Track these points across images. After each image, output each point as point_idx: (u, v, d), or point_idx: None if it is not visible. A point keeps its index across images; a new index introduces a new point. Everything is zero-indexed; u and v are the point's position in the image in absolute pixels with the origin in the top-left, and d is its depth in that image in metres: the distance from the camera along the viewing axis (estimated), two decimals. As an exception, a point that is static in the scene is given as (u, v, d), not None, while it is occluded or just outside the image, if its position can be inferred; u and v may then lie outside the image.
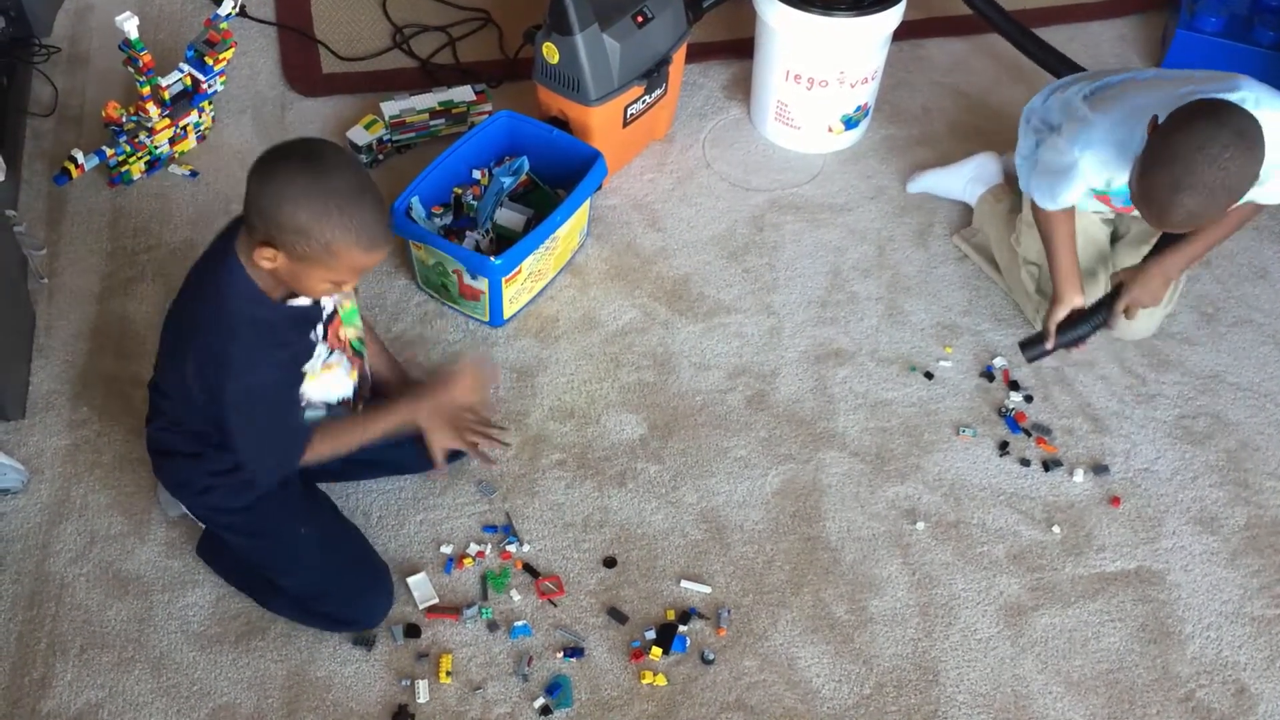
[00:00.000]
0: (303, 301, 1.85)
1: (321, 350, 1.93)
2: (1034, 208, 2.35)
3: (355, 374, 2.05)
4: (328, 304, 1.93)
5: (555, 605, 2.15)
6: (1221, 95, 1.96)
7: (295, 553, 2.04)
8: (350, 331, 2.02)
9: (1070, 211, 2.32)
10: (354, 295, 2.01)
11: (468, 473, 2.32)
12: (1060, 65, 2.83)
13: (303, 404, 1.95)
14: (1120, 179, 2.13)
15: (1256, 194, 2.14)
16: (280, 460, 1.95)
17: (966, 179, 2.77)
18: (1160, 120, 1.96)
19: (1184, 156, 1.87)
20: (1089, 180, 2.19)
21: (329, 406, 2.02)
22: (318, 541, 2.06)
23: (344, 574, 2.06)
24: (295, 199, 1.64)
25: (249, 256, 1.75)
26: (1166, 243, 2.34)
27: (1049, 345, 2.37)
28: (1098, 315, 2.36)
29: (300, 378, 1.91)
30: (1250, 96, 2.02)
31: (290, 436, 1.94)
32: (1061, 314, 2.35)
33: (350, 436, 2.02)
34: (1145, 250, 2.44)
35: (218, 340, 1.77)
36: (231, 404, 1.80)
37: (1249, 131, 1.88)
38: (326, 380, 1.98)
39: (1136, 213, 2.17)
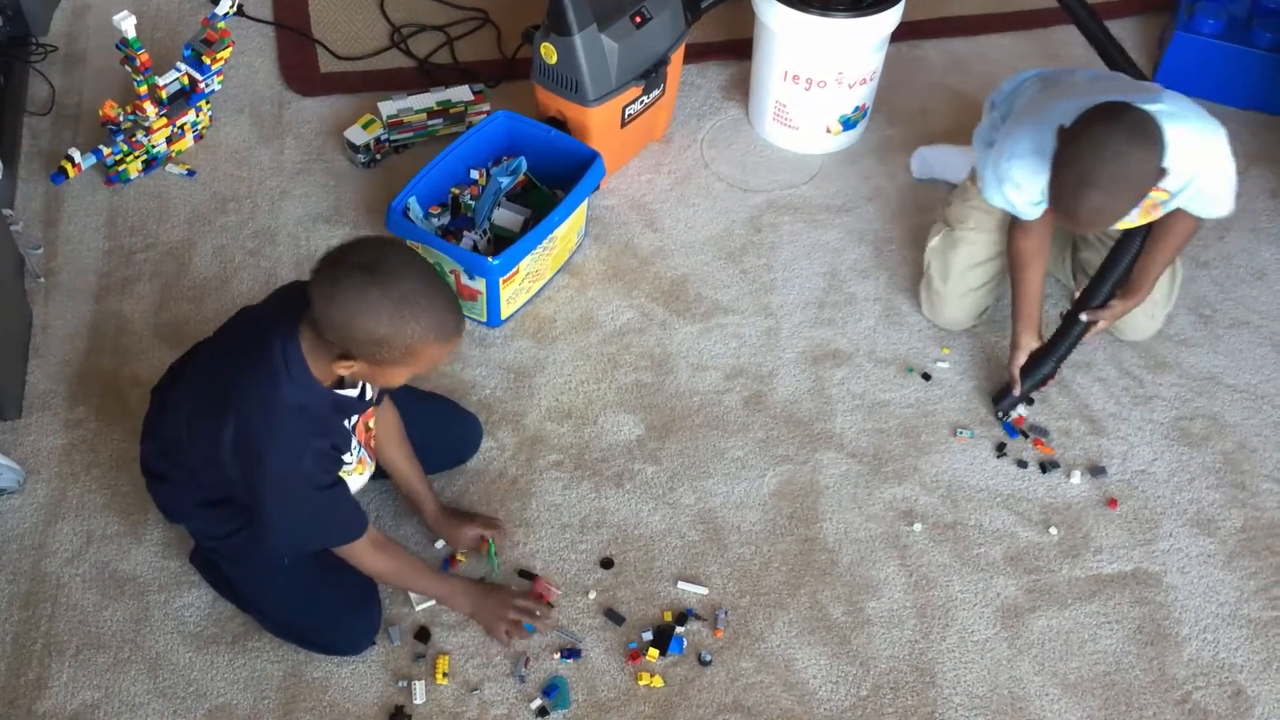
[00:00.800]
0: (350, 392, 1.83)
1: (355, 444, 1.92)
2: (1010, 241, 2.38)
3: (371, 469, 2.06)
4: (369, 391, 1.91)
5: (551, 605, 2.14)
6: (1141, 104, 2.01)
7: (276, 582, 2.02)
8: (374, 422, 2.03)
9: (1041, 254, 2.36)
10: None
11: (465, 473, 2.31)
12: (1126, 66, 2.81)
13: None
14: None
15: (1194, 205, 2.21)
16: (303, 539, 1.93)
17: (972, 162, 2.77)
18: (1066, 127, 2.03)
19: (1084, 155, 1.95)
20: (1024, 189, 2.21)
21: None
22: (300, 571, 2.01)
23: (326, 604, 2.04)
24: (370, 313, 1.63)
25: (312, 345, 1.73)
26: (1114, 258, 2.37)
27: (1016, 392, 2.40)
28: (1058, 350, 2.38)
29: (340, 463, 1.88)
30: (1167, 109, 2.07)
31: (335, 518, 1.91)
32: (1022, 358, 2.39)
33: (410, 576, 2.05)
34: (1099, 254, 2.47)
35: (262, 423, 1.74)
36: (267, 489, 1.78)
37: (1144, 128, 1.96)
38: (355, 481, 1.97)
39: None
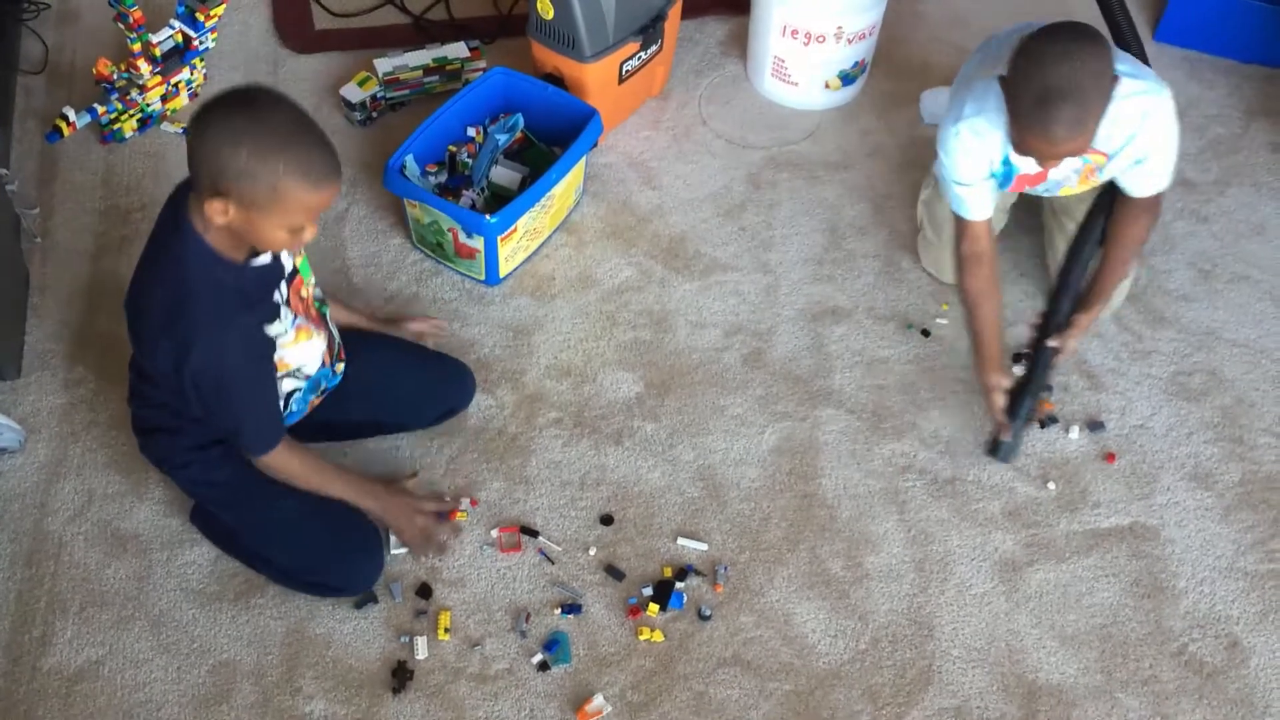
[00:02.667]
0: (264, 260, 1.82)
1: (286, 314, 1.90)
2: (959, 284, 2.31)
3: (324, 339, 2.03)
4: (287, 262, 1.90)
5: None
6: None
7: (277, 526, 2.03)
8: (309, 290, 2.00)
9: (992, 291, 2.28)
10: (301, 251, 1.97)
11: (464, 432, 2.32)
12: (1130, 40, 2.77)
13: (286, 371, 1.94)
14: (996, 151, 2.15)
15: (1132, 177, 2.18)
16: (265, 428, 1.93)
17: None
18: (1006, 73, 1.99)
19: (1038, 70, 1.90)
20: (975, 158, 2.16)
21: (311, 381, 2.03)
22: (300, 512, 2.03)
23: (328, 544, 2.05)
24: (234, 141, 1.62)
25: (202, 217, 1.72)
26: (1065, 275, 2.33)
27: (1007, 437, 2.27)
28: (1035, 383, 2.28)
29: (270, 343, 1.88)
30: (1120, 69, 2.01)
31: (271, 406, 1.92)
32: (1001, 399, 2.27)
33: (320, 476, 2.03)
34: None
35: (182, 319, 1.74)
36: (205, 383, 1.79)
37: (1084, 30, 1.93)
38: (305, 348, 1.96)
39: (1026, 190, 2.22)
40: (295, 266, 1.94)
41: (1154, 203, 2.24)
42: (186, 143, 1.67)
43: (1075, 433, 2.38)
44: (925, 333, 2.53)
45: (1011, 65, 1.96)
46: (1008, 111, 1.99)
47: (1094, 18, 3.08)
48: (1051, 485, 2.30)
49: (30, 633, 2.05)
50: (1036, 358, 2.31)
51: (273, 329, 1.88)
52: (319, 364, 2.02)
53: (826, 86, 2.89)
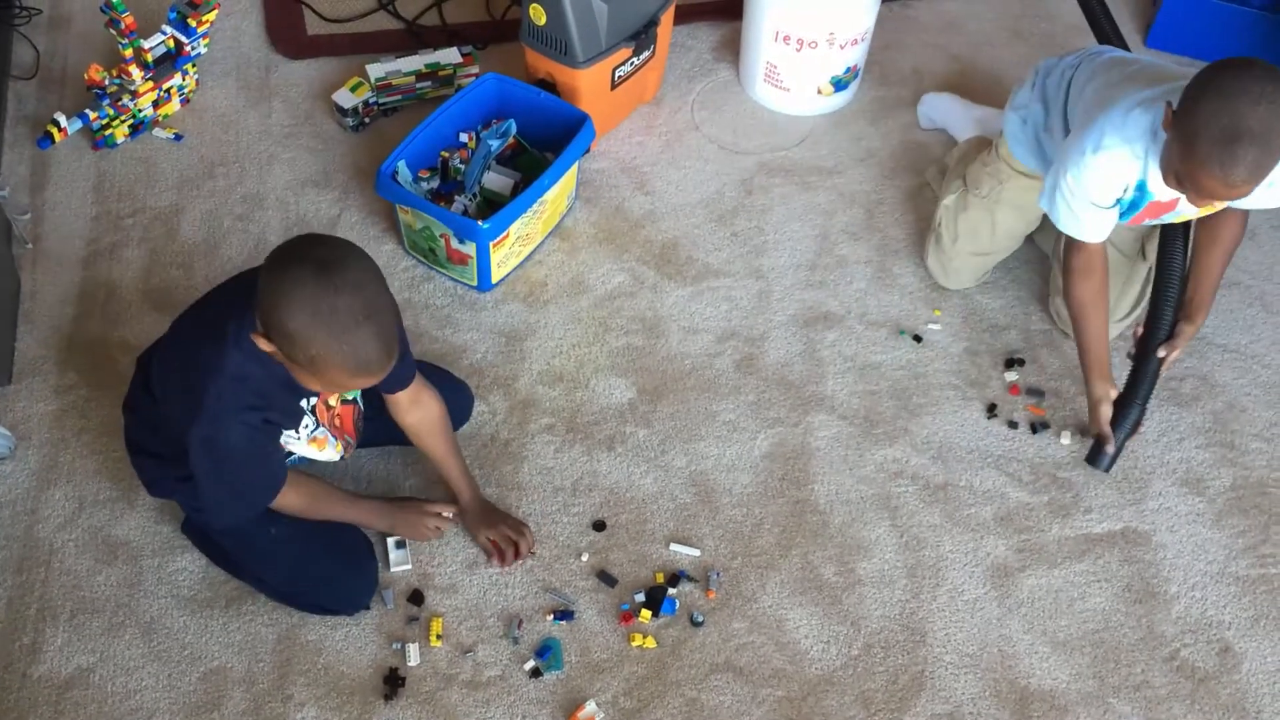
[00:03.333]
0: None
1: (309, 421, 1.91)
2: (1067, 293, 2.26)
3: (349, 428, 2.04)
4: (299, 445, 1.92)
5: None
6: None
7: (266, 552, 2.03)
8: (354, 410, 2.03)
9: (1100, 302, 2.24)
10: (337, 445, 2.02)
11: (457, 438, 2.32)
12: (1112, 37, 2.76)
13: (284, 454, 1.95)
14: (1137, 176, 2.06)
15: (1265, 197, 2.08)
16: (233, 511, 1.93)
17: (975, 118, 2.76)
18: (1175, 104, 1.90)
19: (1227, 108, 1.80)
20: (1111, 187, 2.08)
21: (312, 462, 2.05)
22: (292, 535, 2.02)
23: (319, 567, 2.04)
24: (294, 305, 1.59)
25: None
26: (1163, 285, 2.28)
27: (1110, 449, 2.27)
28: (1140, 393, 2.27)
29: (276, 443, 1.88)
30: None
31: (251, 493, 1.91)
32: (1108, 412, 2.26)
33: (323, 507, 2.03)
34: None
35: (202, 389, 1.75)
36: (194, 448, 1.79)
37: (1272, 69, 1.83)
38: (314, 453, 1.98)
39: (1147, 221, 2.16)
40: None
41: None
42: (264, 264, 1.64)
43: (1067, 438, 2.38)
44: (917, 338, 2.53)
45: (1191, 98, 1.86)
46: (1180, 145, 1.87)
47: (1079, 22, 3.10)
48: (1044, 491, 2.30)
49: (20, 640, 2.04)
50: (1143, 368, 2.28)
51: (289, 434, 1.89)
52: (326, 459, 2.04)
53: (819, 92, 2.90)
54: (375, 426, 2.14)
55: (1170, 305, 2.27)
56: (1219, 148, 1.81)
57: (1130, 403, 2.28)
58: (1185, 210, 2.17)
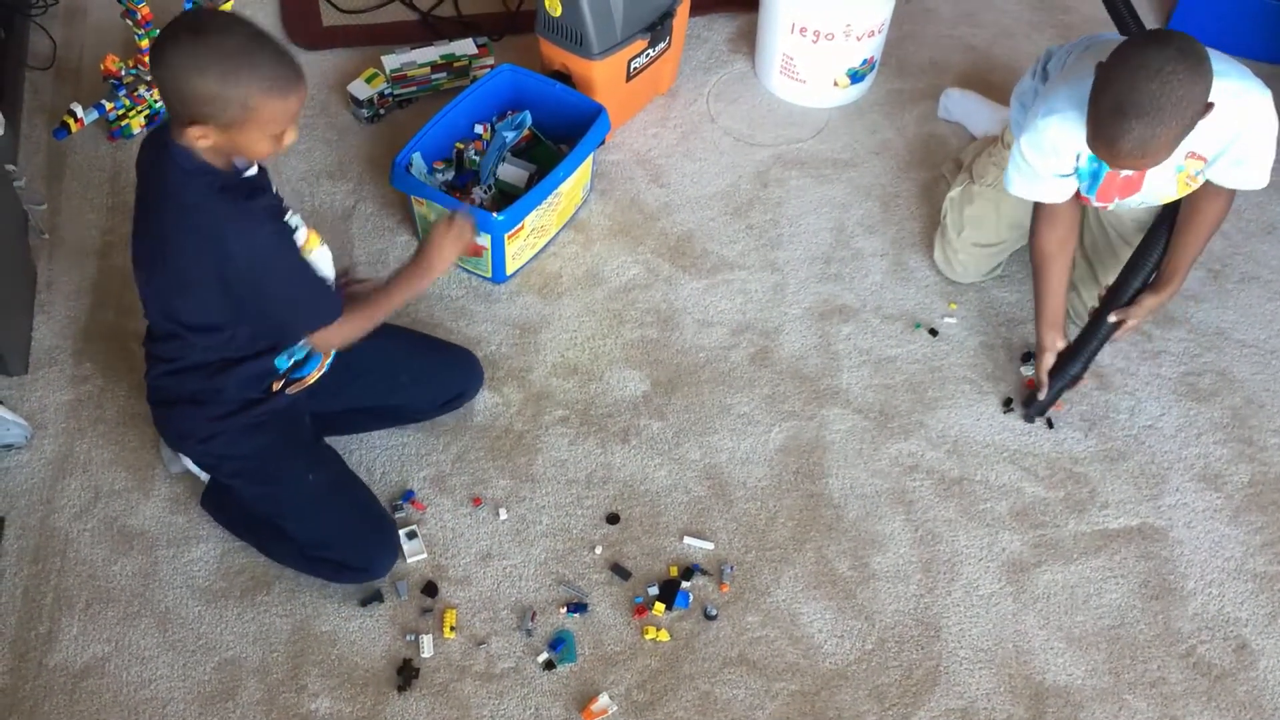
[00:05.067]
0: (251, 171, 1.83)
1: (293, 219, 1.90)
2: (1033, 238, 2.29)
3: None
4: (300, 232, 1.90)
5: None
6: None
7: (303, 498, 2.04)
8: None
9: (1063, 254, 2.27)
10: (323, 238, 1.98)
11: (470, 429, 2.32)
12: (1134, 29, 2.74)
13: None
14: (1084, 145, 2.06)
15: (1230, 174, 2.11)
16: (325, 299, 1.91)
17: (998, 119, 2.74)
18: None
19: (1125, 78, 1.82)
20: (1061, 152, 2.10)
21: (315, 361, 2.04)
22: (325, 487, 2.06)
23: (351, 521, 2.07)
24: (199, 68, 1.63)
25: (185, 143, 1.73)
26: (1141, 253, 2.29)
27: (1043, 396, 2.32)
28: (1086, 351, 2.30)
29: (288, 229, 1.88)
30: (1213, 64, 1.92)
31: (314, 278, 1.90)
32: (1050, 361, 2.30)
33: (375, 309, 2.00)
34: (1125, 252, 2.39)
35: (203, 220, 1.75)
36: (253, 268, 1.78)
37: (1192, 51, 1.83)
38: (320, 255, 1.96)
39: (1110, 205, 2.16)
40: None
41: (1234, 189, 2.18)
42: (152, 73, 1.69)
43: (1084, 433, 2.37)
44: (933, 332, 2.52)
45: (1107, 63, 1.88)
46: (1089, 104, 1.91)
47: (1097, 13, 3.08)
48: (1060, 486, 2.29)
49: (36, 629, 2.05)
50: (1095, 327, 2.29)
51: (290, 218, 1.89)
52: (332, 274, 2.01)
53: (835, 84, 2.88)
54: (368, 390, 2.16)
55: (1139, 274, 2.27)
56: (1109, 118, 1.85)
57: (1074, 357, 2.30)
58: (1161, 190, 2.15)
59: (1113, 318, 2.27)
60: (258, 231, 1.79)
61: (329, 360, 2.10)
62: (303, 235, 1.91)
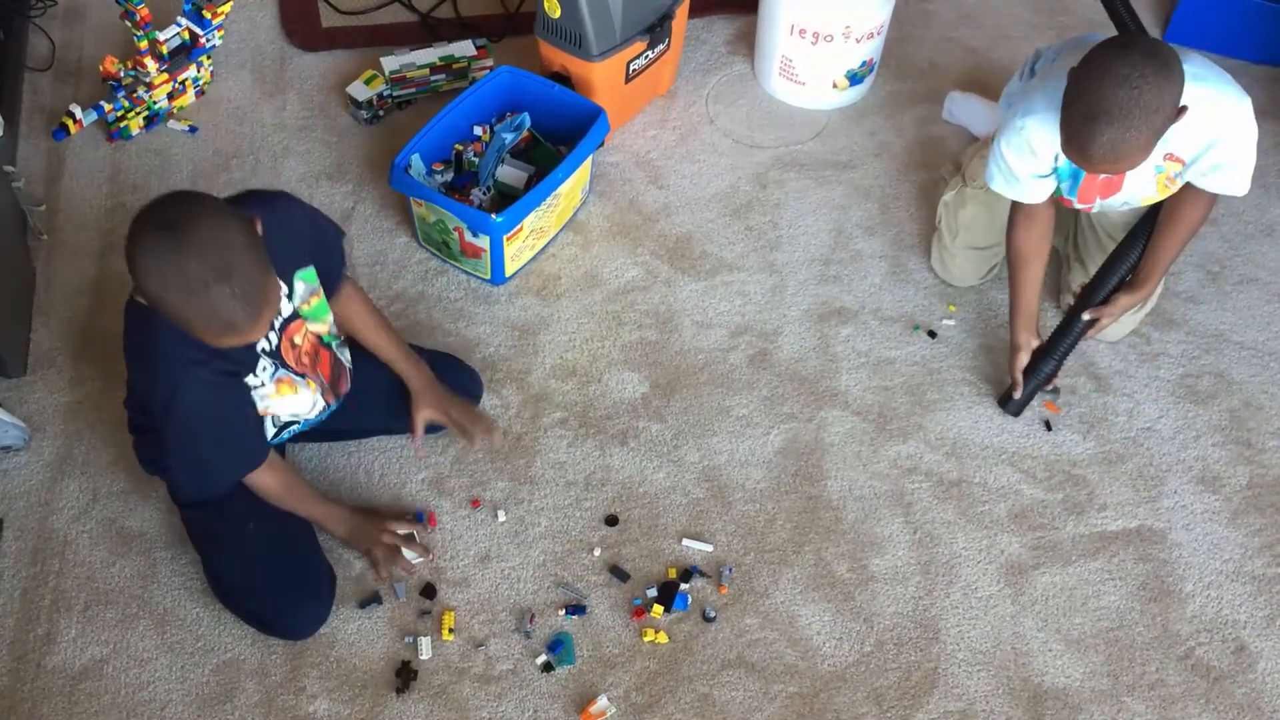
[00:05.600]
0: None
1: (266, 364, 1.87)
2: (1009, 238, 2.30)
3: (325, 373, 2.02)
4: (284, 307, 1.88)
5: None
6: None
7: (237, 544, 2.02)
8: (319, 327, 1.98)
9: (1039, 253, 2.28)
10: (320, 292, 1.96)
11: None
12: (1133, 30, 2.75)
13: (269, 420, 1.95)
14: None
15: (1210, 179, 2.12)
16: (198, 482, 1.91)
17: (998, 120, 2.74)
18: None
19: (1094, 84, 1.84)
20: (1039, 154, 2.12)
21: (308, 421, 2.05)
22: (263, 541, 2.01)
23: (279, 579, 2.02)
24: (147, 270, 1.57)
25: None
26: (1119, 253, 2.30)
27: (1018, 395, 2.33)
28: (1059, 349, 2.31)
29: (242, 391, 1.85)
30: (1190, 70, 1.95)
31: (219, 460, 1.89)
32: (1024, 360, 2.31)
33: (296, 496, 2.02)
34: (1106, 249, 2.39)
35: (144, 346, 1.75)
36: (159, 417, 1.79)
37: (1160, 53, 1.84)
38: (290, 401, 1.95)
39: (1093, 207, 2.16)
40: (295, 311, 1.91)
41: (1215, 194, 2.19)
42: (125, 249, 1.61)
43: (1082, 435, 2.37)
44: (932, 334, 2.52)
45: (1077, 69, 1.90)
46: (1061, 109, 1.92)
47: (1096, 15, 3.08)
48: (1058, 488, 2.29)
49: (35, 631, 2.05)
50: (1069, 325, 2.31)
51: (252, 379, 1.87)
52: (314, 409, 2.02)
53: (834, 86, 2.88)
54: (370, 413, 2.16)
55: (1115, 274, 2.29)
56: (1080, 124, 1.87)
57: (1048, 355, 2.32)
58: (1142, 191, 2.16)
59: (1087, 315, 2.29)
60: (184, 395, 1.76)
61: (323, 414, 2.08)
62: (269, 388, 1.89)
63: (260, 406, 1.91)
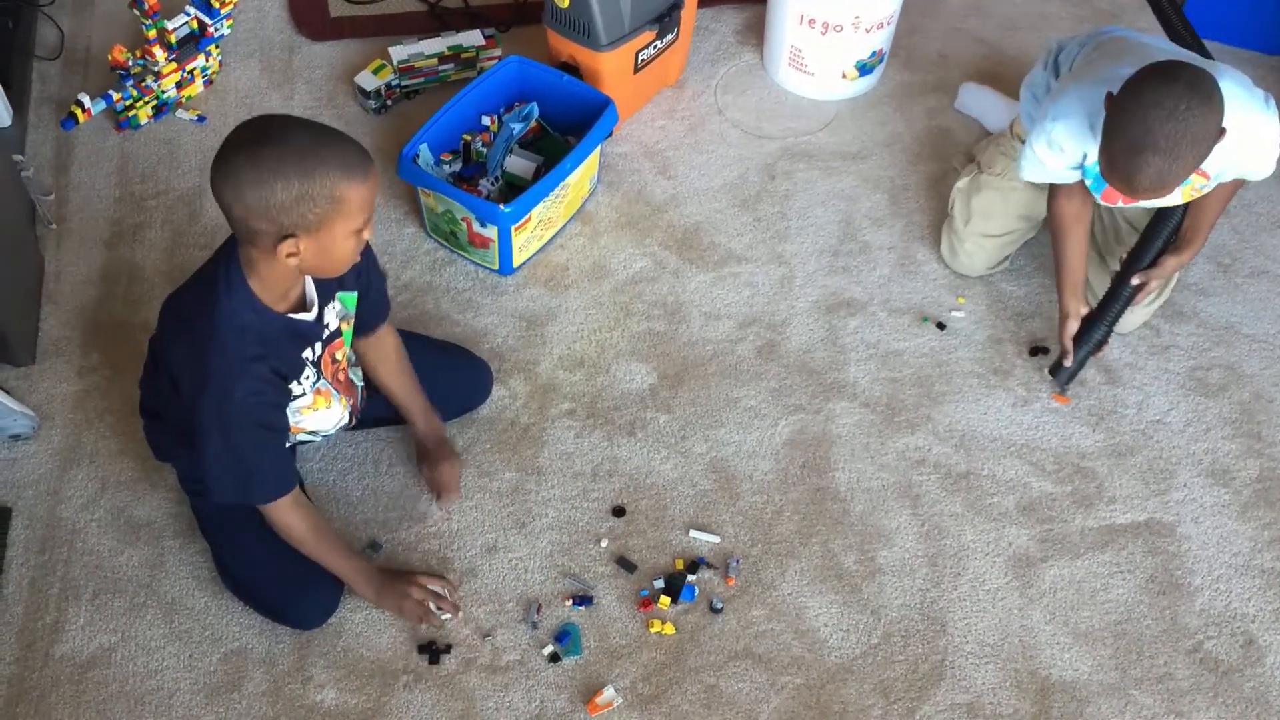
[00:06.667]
0: (305, 316, 1.81)
1: (311, 373, 1.88)
2: (1051, 207, 2.32)
3: (344, 404, 2.02)
4: (331, 321, 1.89)
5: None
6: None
7: (249, 535, 2.01)
8: (344, 352, 2.00)
9: (1082, 219, 2.29)
10: (351, 319, 1.97)
11: (476, 422, 2.32)
12: (1190, 42, 2.75)
13: (298, 431, 1.95)
14: (1093, 153, 2.09)
15: (1244, 169, 2.14)
16: (242, 485, 1.88)
17: (1012, 115, 2.73)
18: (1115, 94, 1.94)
19: (1139, 117, 1.85)
20: (1066, 152, 2.14)
21: (325, 437, 2.05)
22: (269, 532, 2.00)
23: (289, 570, 2.01)
24: (276, 174, 1.58)
25: (254, 267, 1.71)
26: (1159, 217, 2.30)
27: (1068, 362, 2.33)
28: (1109, 315, 2.31)
29: (286, 396, 1.86)
30: (1224, 87, 1.94)
31: (260, 472, 1.87)
32: (1073, 327, 2.31)
33: (323, 542, 1.98)
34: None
35: (201, 342, 1.74)
36: (205, 417, 1.77)
37: (1202, 84, 1.85)
38: (321, 415, 1.96)
39: (1117, 203, 2.16)
40: (339, 329, 1.93)
41: None
42: (221, 198, 1.63)
43: (1091, 428, 2.36)
44: (941, 325, 2.51)
45: (1119, 97, 1.91)
46: (1102, 138, 1.94)
47: (1108, 5, 3.06)
48: (1067, 480, 2.28)
49: (43, 619, 2.06)
50: (1117, 291, 2.30)
51: (295, 386, 1.87)
52: (338, 425, 2.03)
53: (843, 76, 2.87)
54: (381, 405, 2.17)
55: (1159, 235, 2.29)
56: (1126, 156, 1.88)
57: (1097, 322, 2.31)
58: (1167, 199, 2.16)
59: (1136, 280, 2.28)
60: (235, 396, 1.76)
61: (343, 423, 2.07)
62: (307, 399, 1.90)
63: (291, 421, 1.91)
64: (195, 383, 1.75)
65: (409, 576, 2.06)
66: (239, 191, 1.60)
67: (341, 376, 1.99)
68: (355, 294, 1.95)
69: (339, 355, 1.96)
